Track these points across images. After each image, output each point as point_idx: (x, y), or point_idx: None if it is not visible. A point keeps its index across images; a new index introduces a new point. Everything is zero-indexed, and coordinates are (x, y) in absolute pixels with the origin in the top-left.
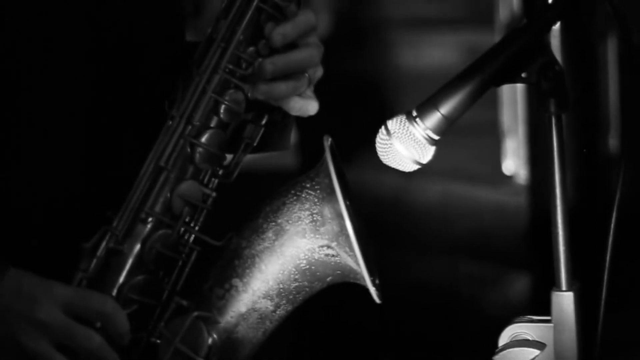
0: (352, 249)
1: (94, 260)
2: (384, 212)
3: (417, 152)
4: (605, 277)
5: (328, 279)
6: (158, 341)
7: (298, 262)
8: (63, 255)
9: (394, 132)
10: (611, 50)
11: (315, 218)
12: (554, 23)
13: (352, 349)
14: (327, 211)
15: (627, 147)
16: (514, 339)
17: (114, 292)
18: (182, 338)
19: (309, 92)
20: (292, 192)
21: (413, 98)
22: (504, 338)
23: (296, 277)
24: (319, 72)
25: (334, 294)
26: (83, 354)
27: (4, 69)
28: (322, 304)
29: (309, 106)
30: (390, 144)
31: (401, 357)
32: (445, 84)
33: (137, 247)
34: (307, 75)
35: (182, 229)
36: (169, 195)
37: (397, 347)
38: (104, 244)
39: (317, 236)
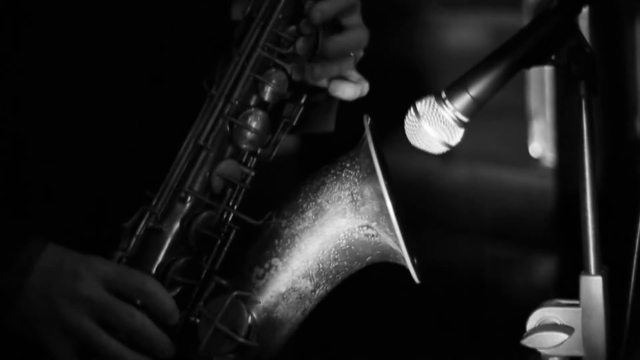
0: (392, 229)
1: (134, 239)
2: (410, 194)
3: (446, 134)
4: (635, 261)
5: (367, 259)
6: (197, 320)
7: (338, 241)
8: (103, 235)
9: (423, 113)
10: None
11: (355, 198)
12: (584, 4)
13: (375, 330)
14: (368, 191)
15: None
16: (542, 323)
17: (154, 271)
18: (221, 317)
19: (356, 74)
20: (332, 171)
21: (440, 79)
22: (532, 322)
23: (336, 256)
24: (360, 53)
25: (358, 273)
26: (125, 332)
27: (50, 53)
28: (346, 284)
29: (364, 88)
30: (419, 125)
31: (426, 339)
32: (475, 66)
33: (177, 225)
34: (352, 55)
35: (222, 208)
36: (208, 174)
37: (422, 329)
38: (143, 223)
39: (357, 216)
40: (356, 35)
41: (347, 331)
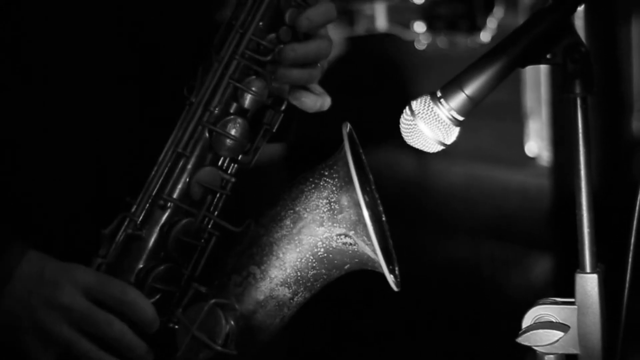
0: (369, 238)
1: (113, 246)
2: (407, 193)
3: (442, 133)
4: (630, 259)
5: (346, 267)
6: (176, 327)
7: (316, 250)
8: (83, 242)
9: (418, 112)
10: (635, 32)
11: (333, 206)
12: (580, 4)
13: (373, 329)
14: (345, 200)
15: None
16: (537, 321)
17: (133, 277)
18: (199, 325)
19: (319, 88)
20: (311, 179)
21: (435, 79)
22: (527, 320)
23: (314, 264)
24: (325, 64)
25: (355, 273)
26: (105, 340)
27: (36, 60)
28: (342, 283)
29: (324, 102)
30: (415, 124)
31: (423, 338)
32: (470, 65)
33: (156, 232)
34: (320, 65)
35: (202, 215)
36: (187, 181)
37: (418, 328)
38: (122, 229)
39: (334, 224)
40: (317, 45)
41: (345, 330)
